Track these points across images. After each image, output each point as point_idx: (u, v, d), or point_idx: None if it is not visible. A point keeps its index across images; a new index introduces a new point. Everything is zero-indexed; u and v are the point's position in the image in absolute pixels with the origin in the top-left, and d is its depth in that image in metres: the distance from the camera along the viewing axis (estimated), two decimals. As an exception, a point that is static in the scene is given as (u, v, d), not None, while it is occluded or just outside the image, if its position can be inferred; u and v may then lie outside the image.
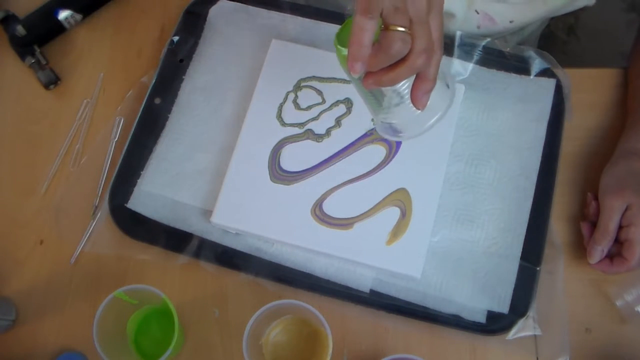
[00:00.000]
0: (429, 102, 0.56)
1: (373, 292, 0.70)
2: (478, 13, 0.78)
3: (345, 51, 0.54)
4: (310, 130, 0.75)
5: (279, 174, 0.73)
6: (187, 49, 0.82)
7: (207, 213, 0.73)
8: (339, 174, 0.73)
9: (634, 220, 0.66)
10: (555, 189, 0.73)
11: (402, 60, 0.52)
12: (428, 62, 0.53)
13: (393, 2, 0.50)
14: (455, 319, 0.68)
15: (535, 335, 0.68)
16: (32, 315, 0.73)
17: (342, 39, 0.57)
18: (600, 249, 0.67)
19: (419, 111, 0.57)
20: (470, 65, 0.78)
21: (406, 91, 0.57)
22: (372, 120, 0.65)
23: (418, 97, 0.56)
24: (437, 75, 0.55)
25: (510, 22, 0.79)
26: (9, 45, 0.84)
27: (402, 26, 0.51)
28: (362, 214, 0.71)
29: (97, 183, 0.78)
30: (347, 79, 0.77)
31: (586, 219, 0.71)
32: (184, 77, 0.81)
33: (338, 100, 0.76)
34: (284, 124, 0.76)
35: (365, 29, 0.50)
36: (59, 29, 0.85)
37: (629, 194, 0.67)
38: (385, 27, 0.51)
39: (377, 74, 0.53)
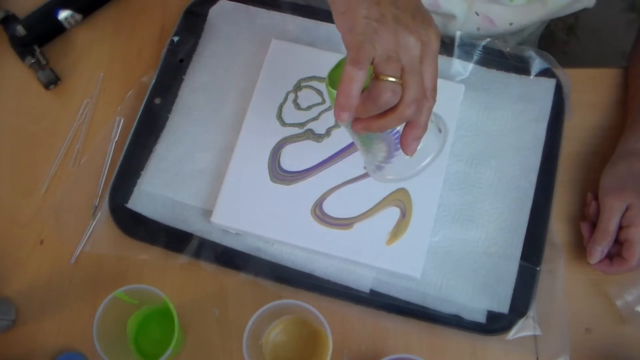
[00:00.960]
0: (419, 146, 0.55)
1: (373, 292, 0.70)
2: (478, 15, 0.78)
3: (335, 93, 0.53)
4: (310, 130, 0.75)
5: (279, 174, 0.73)
6: (187, 49, 0.82)
7: (207, 213, 0.73)
8: (339, 174, 0.73)
9: (634, 220, 0.66)
10: (555, 189, 0.73)
11: (392, 109, 0.51)
12: (419, 111, 0.52)
13: (385, 51, 0.50)
14: (455, 319, 0.69)
15: (535, 335, 0.68)
16: (32, 315, 0.73)
17: (333, 80, 0.57)
18: (600, 249, 0.67)
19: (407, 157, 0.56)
20: (470, 65, 0.78)
21: (396, 136, 0.56)
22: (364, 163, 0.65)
23: (407, 143, 0.54)
24: (428, 123, 0.54)
25: (510, 24, 0.79)
26: (9, 45, 0.84)
27: (392, 76, 0.50)
28: (362, 214, 0.71)
29: (97, 183, 0.78)
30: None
31: (586, 219, 0.71)
32: (184, 77, 0.81)
33: (338, 100, 0.76)
34: (284, 124, 0.76)
35: (355, 79, 0.49)
36: (59, 29, 0.85)
37: (629, 194, 0.67)
38: (376, 76, 0.50)
39: (365, 120, 0.53)
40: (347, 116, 0.51)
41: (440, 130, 0.59)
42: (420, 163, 0.59)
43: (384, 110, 0.52)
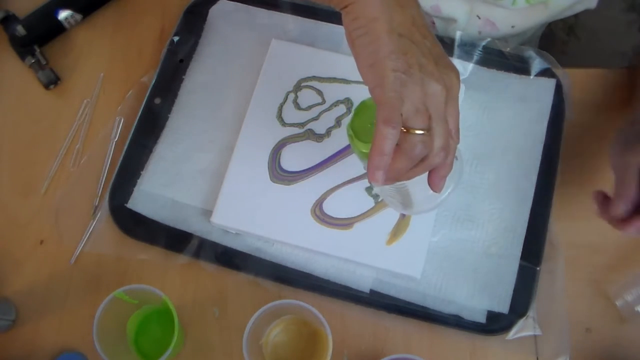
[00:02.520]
0: None
1: (373, 292, 0.70)
2: (480, 18, 0.78)
3: (365, 148, 0.54)
4: (310, 130, 0.75)
5: (279, 174, 0.73)
6: (187, 49, 0.82)
7: (207, 213, 0.73)
8: (339, 174, 0.73)
9: None
10: (555, 189, 0.73)
11: (422, 159, 0.52)
12: (446, 156, 0.53)
13: (414, 104, 0.50)
14: (455, 319, 0.68)
15: (535, 335, 0.68)
16: (32, 315, 0.73)
17: (357, 130, 0.57)
18: (623, 206, 0.61)
19: (431, 191, 0.57)
20: (470, 65, 0.78)
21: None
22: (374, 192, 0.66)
23: (435, 183, 0.56)
24: (453, 162, 0.55)
25: (512, 27, 0.79)
26: (9, 45, 0.84)
27: (422, 129, 0.51)
28: (362, 214, 0.71)
29: (97, 183, 0.78)
30: (347, 79, 0.77)
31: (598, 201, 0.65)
32: (184, 77, 0.81)
33: (338, 100, 0.76)
34: (284, 124, 0.76)
35: (388, 137, 0.50)
36: (59, 29, 0.85)
37: (638, 151, 0.61)
38: (406, 130, 0.51)
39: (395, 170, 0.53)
40: (381, 175, 0.51)
41: (456, 158, 0.59)
42: (441, 195, 0.59)
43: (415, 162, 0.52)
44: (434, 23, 0.82)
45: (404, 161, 0.52)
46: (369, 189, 0.72)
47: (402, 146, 0.51)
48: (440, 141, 0.52)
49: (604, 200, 0.63)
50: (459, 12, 0.78)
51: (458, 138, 0.55)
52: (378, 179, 0.51)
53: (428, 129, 0.51)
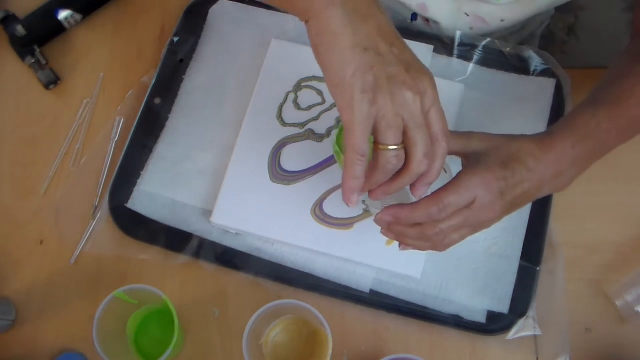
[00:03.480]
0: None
1: (373, 292, 0.70)
2: (468, 16, 0.78)
3: None
4: (310, 130, 0.75)
5: (279, 174, 0.73)
6: (187, 49, 0.82)
7: (207, 213, 0.73)
8: (339, 174, 0.72)
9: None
10: (555, 189, 0.73)
11: (405, 169, 0.52)
12: (432, 162, 0.52)
13: (386, 120, 0.49)
14: (455, 319, 0.68)
15: (535, 335, 0.68)
16: (32, 315, 0.73)
17: (342, 145, 0.57)
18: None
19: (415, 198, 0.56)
20: (470, 65, 0.78)
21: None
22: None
23: (417, 189, 0.54)
24: (441, 170, 0.54)
25: (502, 21, 0.78)
26: (9, 45, 0.84)
27: (393, 145, 0.50)
28: (362, 214, 0.71)
29: (97, 183, 0.78)
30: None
31: None
32: (184, 77, 0.81)
33: (338, 100, 0.76)
34: (284, 124, 0.76)
35: (357, 164, 0.50)
36: (59, 29, 0.85)
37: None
38: (377, 147, 0.50)
39: (381, 187, 0.53)
40: (356, 197, 0.52)
41: (445, 171, 0.58)
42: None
43: (393, 174, 0.52)
44: (427, 21, 0.81)
45: (380, 175, 0.52)
46: None
47: (377, 162, 0.51)
48: (421, 149, 0.51)
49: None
50: (446, 10, 0.78)
51: (446, 141, 0.53)
52: (353, 201, 0.52)
53: (402, 143, 0.51)
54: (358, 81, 0.49)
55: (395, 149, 0.50)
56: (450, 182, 0.56)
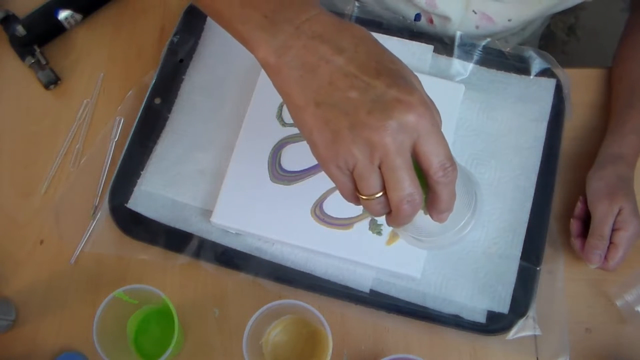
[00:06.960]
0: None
1: (373, 292, 0.70)
2: (476, 13, 0.78)
3: None
4: (310, 130, 0.75)
5: (279, 174, 0.73)
6: (187, 49, 0.82)
7: (207, 213, 0.73)
8: (339, 174, 0.73)
9: (623, 225, 0.67)
10: (555, 189, 0.73)
11: (388, 213, 0.49)
12: (413, 207, 0.47)
13: (357, 171, 0.46)
14: (455, 319, 0.69)
15: (535, 335, 0.68)
16: (32, 315, 0.73)
17: None
18: (598, 253, 0.67)
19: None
20: (470, 65, 0.78)
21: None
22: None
23: (434, 217, 0.50)
24: (453, 196, 0.49)
25: (509, 20, 0.79)
26: (9, 45, 0.84)
27: (367, 195, 0.47)
28: (362, 214, 0.71)
29: (97, 183, 0.78)
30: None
31: (575, 218, 0.71)
32: (184, 77, 0.81)
33: (338, 100, 0.76)
34: (284, 123, 0.76)
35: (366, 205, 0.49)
36: (59, 29, 0.85)
37: (620, 198, 0.67)
38: (362, 197, 0.48)
39: (389, 219, 0.50)
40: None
41: (469, 179, 0.54)
42: (454, 227, 0.54)
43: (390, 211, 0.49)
44: (432, 21, 0.82)
45: (375, 216, 0.50)
46: None
47: (366, 209, 0.49)
48: (396, 194, 0.46)
49: (580, 229, 0.70)
50: (454, 7, 0.78)
51: (443, 171, 0.47)
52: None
53: (382, 189, 0.47)
54: (318, 139, 0.47)
55: (378, 197, 0.47)
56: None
